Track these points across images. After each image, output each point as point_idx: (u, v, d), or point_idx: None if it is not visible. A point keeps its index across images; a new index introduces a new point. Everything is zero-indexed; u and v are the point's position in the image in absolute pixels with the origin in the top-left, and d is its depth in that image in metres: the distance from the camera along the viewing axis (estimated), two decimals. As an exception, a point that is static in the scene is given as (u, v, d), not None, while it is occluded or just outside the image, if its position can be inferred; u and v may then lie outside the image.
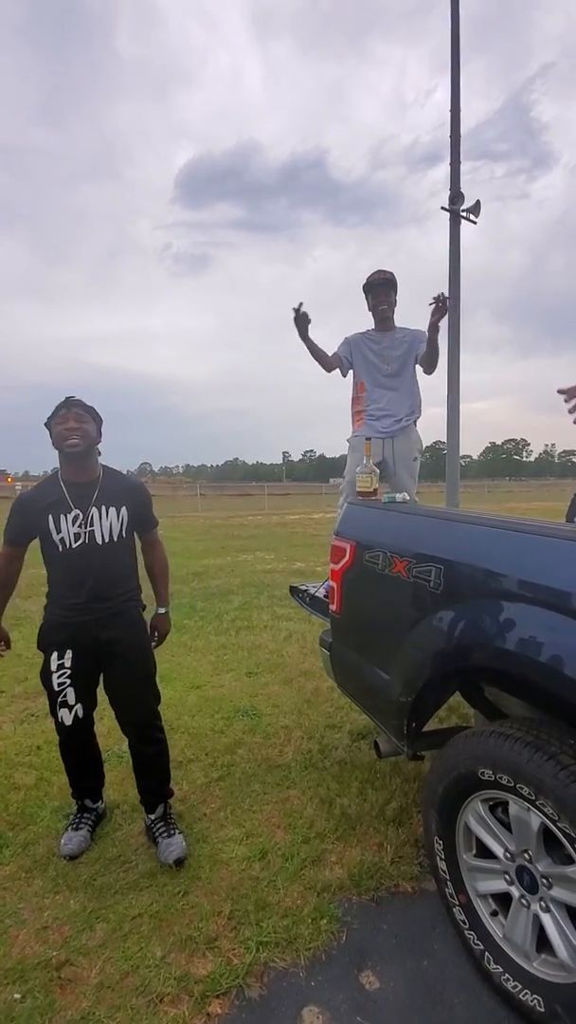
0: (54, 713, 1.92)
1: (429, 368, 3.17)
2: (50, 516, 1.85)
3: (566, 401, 2.11)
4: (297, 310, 2.97)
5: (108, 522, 1.90)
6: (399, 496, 2.00)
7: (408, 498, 1.99)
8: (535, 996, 1.31)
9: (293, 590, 3.01)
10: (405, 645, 1.65)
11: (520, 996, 1.34)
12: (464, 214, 6.27)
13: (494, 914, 1.48)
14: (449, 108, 6.24)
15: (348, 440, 3.33)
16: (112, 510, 1.92)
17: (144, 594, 2.07)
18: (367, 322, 3.29)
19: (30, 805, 2.19)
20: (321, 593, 2.71)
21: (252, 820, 2.09)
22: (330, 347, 3.29)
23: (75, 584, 1.88)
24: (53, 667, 1.89)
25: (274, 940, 1.56)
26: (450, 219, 6.30)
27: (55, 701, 1.90)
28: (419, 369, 3.21)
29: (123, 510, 1.94)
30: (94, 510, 1.88)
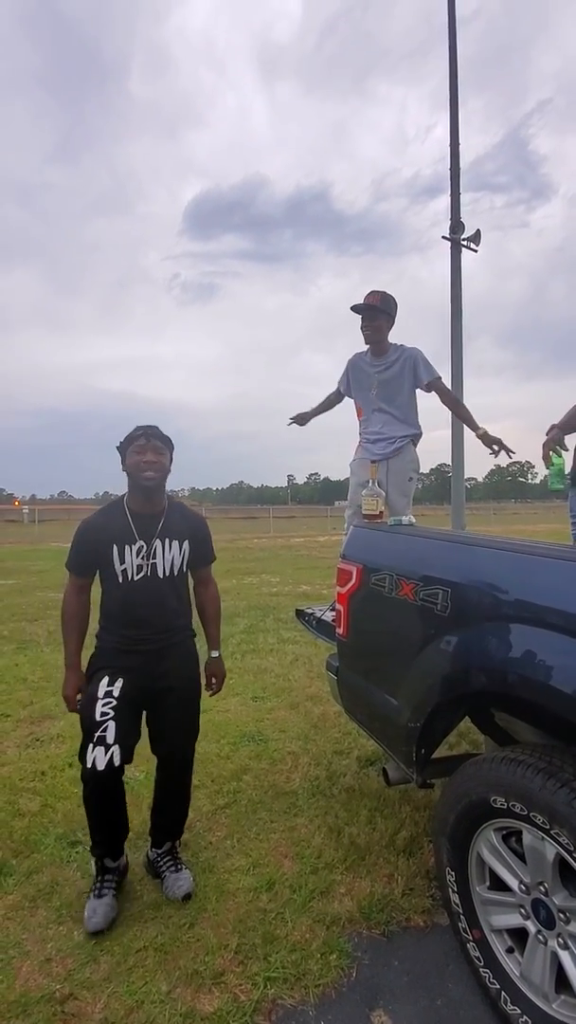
0: (84, 755, 1.67)
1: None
2: (115, 546, 1.81)
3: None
4: (293, 422, 3.49)
5: (171, 555, 1.87)
6: (405, 519, 2.00)
7: (414, 521, 1.99)
8: None
9: (299, 613, 3.00)
10: (413, 669, 1.64)
11: None
12: (465, 243, 6.42)
13: (510, 951, 1.43)
14: (449, 143, 6.44)
15: (350, 464, 3.36)
16: (176, 543, 1.88)
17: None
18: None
19: (34, 832, 2.16)
20: (327, 616, 2.69)
21: (259, 849, 2.05)
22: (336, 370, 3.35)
23: (132, 616, 1.83)
24: (100, 692, 1.71)
25: (282, 976, 1.52)
26: (451, 248, 6.45)
27: (91, 735, 1.66)
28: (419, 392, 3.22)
29: (185, 544, 1.91)
30: (158, 542, 1.85)
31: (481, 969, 1.44)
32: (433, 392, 3.12)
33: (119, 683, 1.75)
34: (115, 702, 1.71)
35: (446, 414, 3.55)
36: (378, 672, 1.89)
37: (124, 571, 1.81)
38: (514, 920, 1.39)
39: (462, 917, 1.49)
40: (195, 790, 2.44)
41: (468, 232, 6.19)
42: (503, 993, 1.39)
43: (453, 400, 3.15)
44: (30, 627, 4.76)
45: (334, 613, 2.32)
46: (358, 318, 3.15)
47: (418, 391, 3.14)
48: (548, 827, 1.20)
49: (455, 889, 1.51)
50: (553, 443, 2.65)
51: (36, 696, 3.64)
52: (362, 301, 3.10)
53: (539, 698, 1.24)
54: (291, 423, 3.50)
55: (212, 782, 2.52)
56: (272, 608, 6.55)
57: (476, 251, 6.33)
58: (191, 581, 2.04)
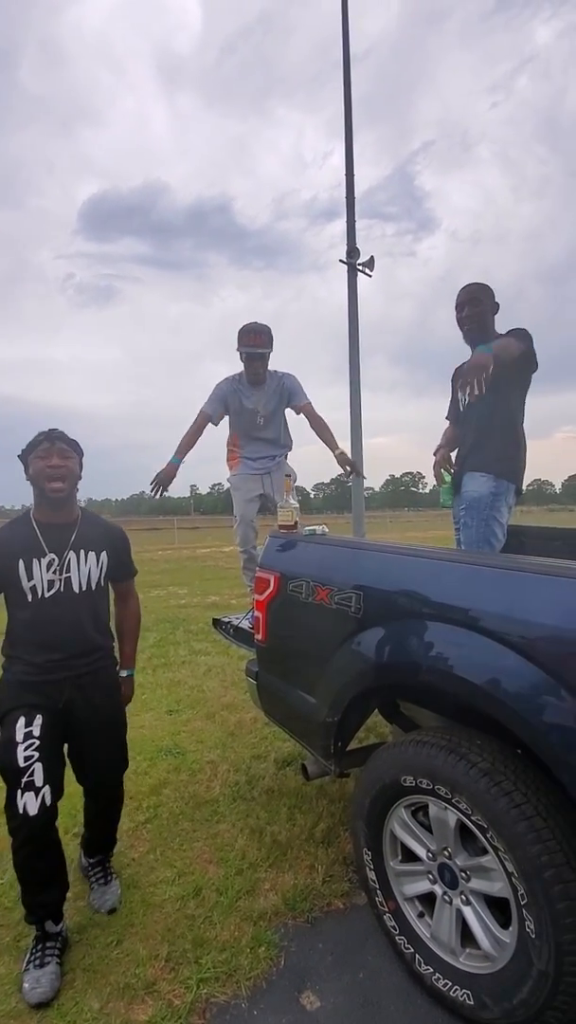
0: (12, 802, 1.54)
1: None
2: (21, 561, 1.68)
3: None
4: (158, 487, 3.12)
5: (87, 568, 1.76)
6: (318, 528, 2.14)
7: (327, 530, 2.14)
8: (464, 991, 1.39)
9: (216, 622, 3.05)
10: (330, 669, 1.77)
11: (451, 993, 1.42)
12: (360, 268, 6.84)
13: (421, 915, 1.58)
14: (344, 172, 6.85)
15: (228, 480, 3.51)
16: (92, 555, 1.78)
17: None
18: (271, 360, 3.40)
19: None
20: (245, 624, 2.77)
21: (183, 859, 2.07)
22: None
23: (45, 638, 1.70)
24: (19, 736, 1.57)
25: (214, 975, 1.57)
26: (348, 271, 6.84)
27: (18, 783, 1.53)
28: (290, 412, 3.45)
29: (103, 555, 1.81)
30: (71, 554, 1.73)
31: (396, 937, 1.59)
32: (302, 415, 3.37)
33: (37, 721, 1.62)
34: (37, 742, 1.59)
35: (345, 428, 3.82)
36: (296, 673, 2.00)
37: (33, 587, 1.68)
38: (423, 886, 1.55)
39: (378, 892, 1.63)
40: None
41: (363, 258, 6.60)
42: (416, 956, 1.54)
43: (320, 424, 3.34)
44: None
45: (252, 621, 2.41)
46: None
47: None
48: (450, 797, 1.37)
49: (371, 867, 1.65)
50: (443, 463, 2.92)
51: None
52: (248, 343, 3.20)
53: (444, 685, 1.41)
54: (156, 490, 3.15)
55: (131, 799, 2.48)
56: (182, 620, 6.49)
57: (370, 276, 6.77)
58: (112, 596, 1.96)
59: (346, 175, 6.68)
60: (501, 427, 2.53)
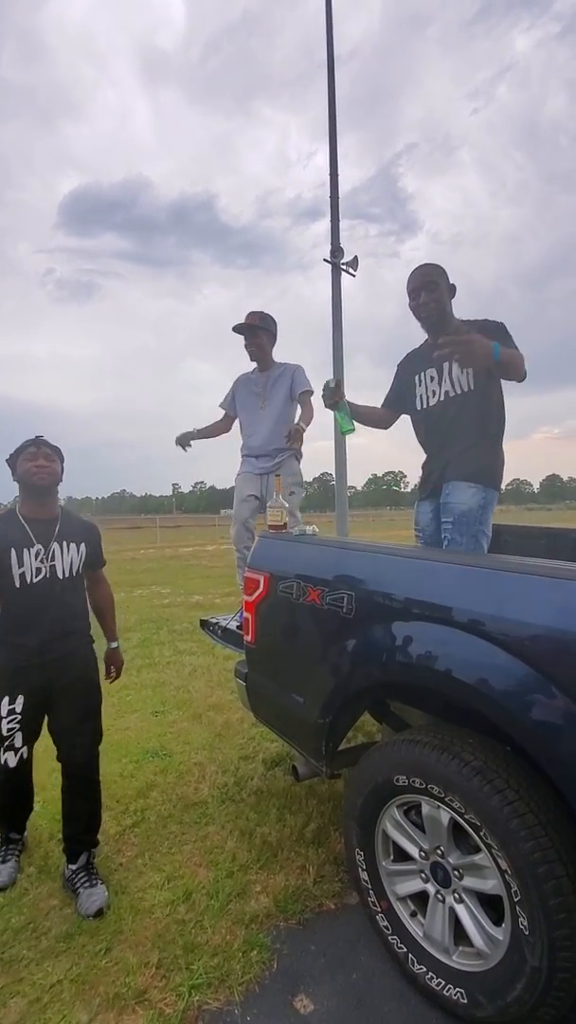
0: None
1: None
2: (12, 551, 1.88)
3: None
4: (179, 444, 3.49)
5: (69, 557, 1.99)
6: (308, 529, 2.13)
7: (317, 531, 2.13)
8: (458, 990, 1.39)
9: (204, 623, 3.02)
10: (321, 670, 1.76)
11: (444, 992, 1.42)
12: (344, 267, 6.84)
13: (413, 915, 1.58)
14: (328, 171, 6.84)
15: (235, 479, 3.48)
16: (73, 546, 2.01)
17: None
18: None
19: None
20: (233, 625, 2.75)
21: (172, 863, 2.05)
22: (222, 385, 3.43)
23: (33, 621, 1.91)
24: (3, 712, 1.88)
25: (206, 981, 1.55)
26: (332, 270, 6.83)
27: (0, 745, 1.88)
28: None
29: (82, 547, 2.04)
30: (56, 545, 1.96)
31: (389, 937, 1.58)
32: (297, 405, 3.30)
33: (20, 700, 1.89)
34: (19, 717, 1.88)
35: (328, 428, 3.80)
36: (287, 674, 1.99)
37: (23, 574, 1.89)
38: (416, 885, 1.55)
39: (371, 892, 1.63)
40: (101, 812, 2.36)
41: (347, 257, 6.60)
42: (409, 955, 1.53)
43: (309, 417, 3.25)
44: None
45: (240, 622, 2.39)
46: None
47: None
48: (443, 795, 1.37)
49: (364, 867, 1.64)
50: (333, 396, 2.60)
51: None
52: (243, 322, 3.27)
53: (437, 684, 1.41)
54: (178, 444, 3.53)
55: (117, 803, 2.45)
56: (166, 620, 6.43)
57: (354, 275, 6.77)
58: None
59: (330, 175, 6.67)
60: (495, 436, 2.46)
